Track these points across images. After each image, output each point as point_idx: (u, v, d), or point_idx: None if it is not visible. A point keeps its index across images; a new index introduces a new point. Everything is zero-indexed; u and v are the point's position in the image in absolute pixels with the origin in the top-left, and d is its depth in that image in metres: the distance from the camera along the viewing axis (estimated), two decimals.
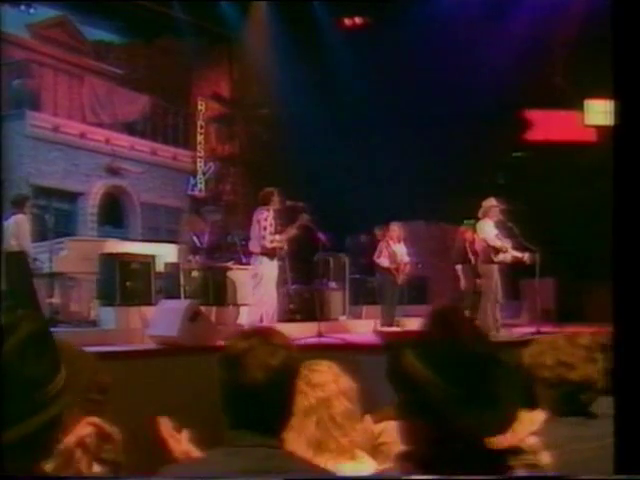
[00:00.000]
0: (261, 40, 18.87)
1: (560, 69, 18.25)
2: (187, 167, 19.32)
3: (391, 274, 13.09)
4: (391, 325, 12.97)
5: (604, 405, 2.75)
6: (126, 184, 17.51)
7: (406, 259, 13.27)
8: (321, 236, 10.82)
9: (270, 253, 9.79)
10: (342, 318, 13.61)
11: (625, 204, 2.13)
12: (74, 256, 10.59)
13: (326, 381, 3.12)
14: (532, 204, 16.89)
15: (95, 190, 16.71)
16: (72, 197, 16.41)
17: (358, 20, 19.89)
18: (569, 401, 2.67)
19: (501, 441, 2.96)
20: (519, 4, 17.46)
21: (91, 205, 16.56)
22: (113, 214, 17.46)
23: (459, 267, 13.26)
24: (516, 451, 2.84)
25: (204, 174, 19.44)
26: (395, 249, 13.13)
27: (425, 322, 1.97)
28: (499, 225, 11.19)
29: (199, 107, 19.54)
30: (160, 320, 8.67)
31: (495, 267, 11.03)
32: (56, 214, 15.80)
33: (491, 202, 11.18)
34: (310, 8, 18.65)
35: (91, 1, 17.24)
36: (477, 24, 17.28)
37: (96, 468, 2.92)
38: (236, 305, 11.21)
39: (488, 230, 10.99)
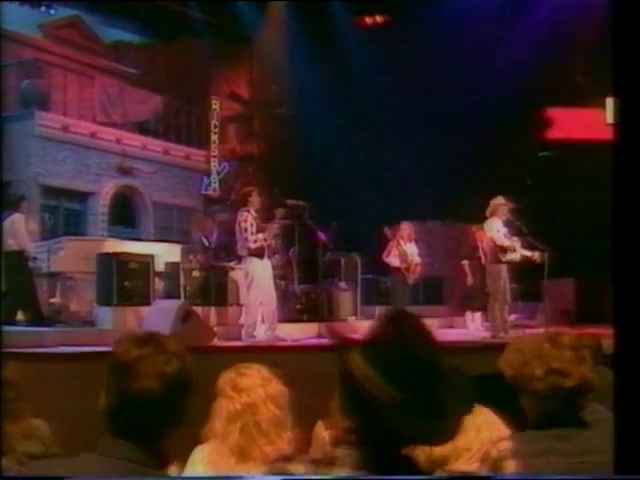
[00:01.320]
0: (280, 40, 18.79)
1: (582, 67, 17.94)
2: (201, 167, 19.25)
3: (401, 274, 12.94)
4: None
5: (597, 411, 2.55)
6: (138, 184, 17.44)
7: (417, 259, 13.10)
8: (321, 235, 10.70)
9: (257, 253, 9.73)
10: (352, 319, 13.42)
11: (625, 205, 2.18)
12: (72, 255, 10.53)
13: (253, 385, 2.98)
14: (554, 203, 16.68)
15: (106, 190, 16.68)
16: (82, 197, 16.38)
17: (379, 19, 19.74)
18: (564, 408, 2.46)
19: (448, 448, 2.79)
20: (540, 2, 17.22)
21: (102, 205, 16.53)
22: (124, 214, 17.41)
23: (465, 262, 13.04)
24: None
25: (218, 174, 19.36)
26: (406, 249, 12.98)
27: (376, 324, 1.86)
28: (507, 224, 10.98)
29: (213, 106, 19.48)
30: (153, 320, 8.59)
31: (503, 267, 10.83)
32: (66, 214, 15.87)
33: (499, 200, 10.98)
34: (329, 7, 18.55)
35: (111, 1, 17.29)
36: (498, 22, 17.13)
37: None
38: (239, 305, 11.07)
39: (495, 229, 10.79)
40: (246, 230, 9.63)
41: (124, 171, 17.00)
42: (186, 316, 8.29)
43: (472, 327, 12.96)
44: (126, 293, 9.63)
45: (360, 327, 12.91)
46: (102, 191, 16.61)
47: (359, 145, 18.54)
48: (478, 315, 12.73)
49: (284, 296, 12.35)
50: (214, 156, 19.42)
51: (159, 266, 10.69)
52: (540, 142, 18.62)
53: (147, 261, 9.99)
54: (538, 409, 2.50)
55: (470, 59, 16.53)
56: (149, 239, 16.05)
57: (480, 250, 12.27)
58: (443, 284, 16.26)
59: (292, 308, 12.32)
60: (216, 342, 9.59)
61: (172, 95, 19.13)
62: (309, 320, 12.12)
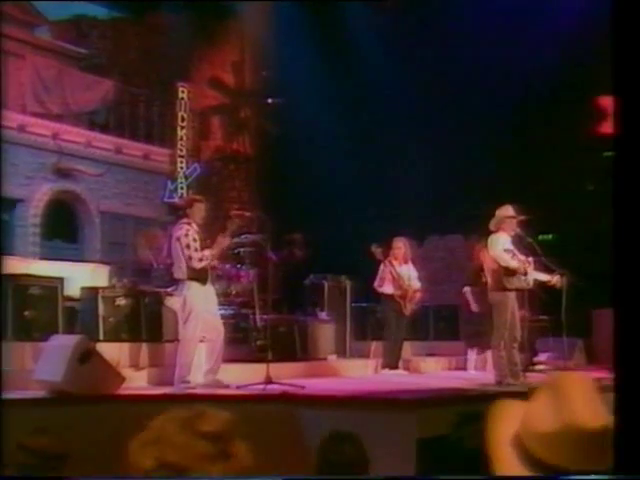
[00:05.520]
0: (271, 16, 18.85)
1: None
2: (164, 168, 19.04)
3: (395, 302, 12.66)
4: (395, 367, 12.54)
5: None
6: (80, 189, 17.25)
7: (416, 284, 12.81)
8: (272, 255, 10.52)
9: (200, 277, 9.61)
10: (332, 357, 13.08)
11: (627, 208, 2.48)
12: None
13: None
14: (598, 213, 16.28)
15: (38, 196, 16.45)
16: (8, 204, 16.04)
17: None
18: None
19: None
20: None
21: (33, 215, 16.29)
22: (63, 226, 17.23)
23: (467, 289, 12.77)
24: None
25: (186, 177, 19.06)
26: (400, 271, 12.71)
27: None
28: (516, 240, 10.63)
29: (180, 94, 19.22)
30: (45, 361, 8.32)
31: (511, 295, 10.51)
32: None
33: (507, 211, 10.67)
34: None
35: None
36: None
37: None
38: (178, 341, 10.77)
39: (501, 247, 10.42)
40: (188, 246, 9.47)
41: (62, 173, 16.82)
42: (85, 356, 7.99)
43: (472, 369, 12.70)
44: (25, 325, 9.49)
45: (344, 367, 12.62)
46: (34, 197, 16.38)
47: (360, 141, 18.35)
48: (484, 355, 12.41)
49: (242, 329, 12.10)
50: (181, 155, 19.14)
51: (74, 292, 10.47)
52: (592, 138, 18.24)
53: (55, 286, 9.85)
54: None
55: (505, 39, 16.17)
56: (93, 260, 15.85)
57: (487, 273, 11.99)
58: (460, 314, 15.89)
59: (251, 344, 11.98)
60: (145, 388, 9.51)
61: (140, 80, 19.00)
62: (275, 360, 11.73)
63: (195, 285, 9.57)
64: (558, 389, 2.04)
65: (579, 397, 2.01)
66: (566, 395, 2.01)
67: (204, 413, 2.00)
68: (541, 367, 12.81)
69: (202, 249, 9.56)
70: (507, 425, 2.09)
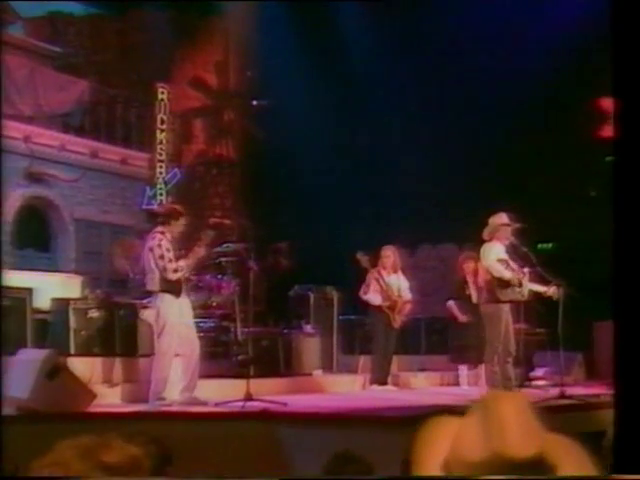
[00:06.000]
0: (257, 13, 18.76)
1: None
2: (142, 174, 18.92)
3: (384, 314, 12.61)
4: (384, 382, 12.51)
5: None
6: (53, 195, 17.10)
7: (406, 295, 12.79)
8: (252, 265, 10.47)
9: (174, 288, 9.61)
10: (317, 373, 13.02)
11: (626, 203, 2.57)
12: None
13: None
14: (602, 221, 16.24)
15: (9, 202, 16.20)
16: None
17: None
18: None
19: None
20: None
21: (3, 222, 16.12)
22: (35, 234, 17.08)
23: (451, 303, 12.77)
24: None
25: (166, 183, 18.94)
26: (389, 281, 12.68)
27: None
28: (511, 250, 10.62)
29: (160, 95, 19.11)
30: (13, 377, 8.24)
31: (504, 307, 10.51)
32: None
33: (501, 219, 10.66)
34: None
35: None
36: None
37: None
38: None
39: (493, 256, 10.41)
40: (162, 257, 9.50)
41: (34, 178, 16.69)
42: (54, 371, 7.97)
43: (465, 385, 12.70)
44: None
45: (330, 383, 12.56)
46: (4, 204, 16.18)
47: (348, 145, 18.32)
48: (476, 370, 12.41)
49: (223, 343, 12.08)
50: (160, 160, 19.01)
51: (45, 303, 10.43)
52: (593, 142, 18.23)
53: (23, 297, 9.78)
54: None
55: (497, 41, 16.21)
56: (67, 270, 15.75)
57: (471, 285, 12.03)
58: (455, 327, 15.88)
59: (232, 359, 11.94)
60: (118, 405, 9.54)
61: (118, 81, 18.94)
62: (257, 375, 11.71)
63: (168, 297, 9.57)
64: (489, 412, 1.93)
65: (511, 422, 1.88)
66: (497, 420, 1.89)
67: (110, 444, 2.00)
68: (538, 382, 12.79)
69: (177, 259, 9.57)
70: (437, 449, 1.99)
